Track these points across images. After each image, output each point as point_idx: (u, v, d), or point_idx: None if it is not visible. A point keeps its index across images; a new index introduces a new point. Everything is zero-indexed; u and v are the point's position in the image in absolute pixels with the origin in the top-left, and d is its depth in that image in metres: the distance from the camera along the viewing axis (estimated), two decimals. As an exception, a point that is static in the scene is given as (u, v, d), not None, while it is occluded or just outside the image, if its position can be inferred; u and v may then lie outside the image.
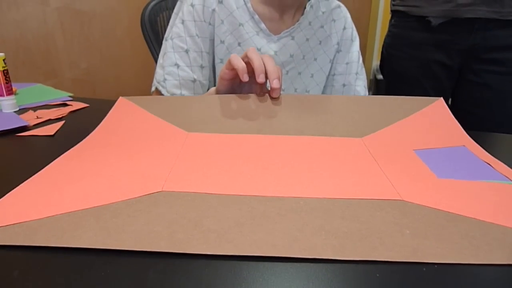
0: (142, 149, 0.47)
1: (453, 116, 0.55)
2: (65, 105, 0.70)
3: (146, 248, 0.28)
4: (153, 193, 0.36)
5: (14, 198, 0.35)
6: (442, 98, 0.58)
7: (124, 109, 0.56)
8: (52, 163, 0.42)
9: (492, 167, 0.44)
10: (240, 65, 0.53)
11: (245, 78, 0.53)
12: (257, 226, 0.31)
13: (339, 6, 0.81)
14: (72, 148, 0.47)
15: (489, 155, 0.47)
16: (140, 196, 0.36)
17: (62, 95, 0.76)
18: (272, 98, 0.56)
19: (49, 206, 0.34)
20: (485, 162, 0.45)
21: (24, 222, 0.31)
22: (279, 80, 0.53)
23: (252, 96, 0.57)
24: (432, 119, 0.54)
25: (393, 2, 1.01)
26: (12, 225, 0.31)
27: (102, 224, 0.31)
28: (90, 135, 0.51)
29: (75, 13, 1.59)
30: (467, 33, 0.88)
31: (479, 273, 0.27)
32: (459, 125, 0.53)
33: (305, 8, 0.77)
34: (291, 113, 0.55)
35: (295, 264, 0.27)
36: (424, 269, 0.27)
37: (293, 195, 0.37)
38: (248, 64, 0.54)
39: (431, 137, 0.51)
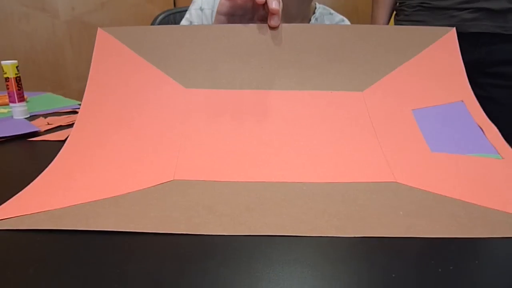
0: (144, 121, 0.47)
1: (460, 56, 0.53)
2: (75, 112, 0.71)
3: (167, 230, 0.31)
4: (165, 182, 0.39)
5: (34, 190, 0.37)
6: (454, 29, 0.55)
7: (109, 52, 0.52)
8: (61, 150, 0.44)
9: (483, 132, 0.47)
10: None
11: None
12: (266, 211, 0.34)
13: (343, 20, 0.83)
14: (75, 126, 0.46)
15: (484, 114, 0.49)
16: (154, 186, 0.38)
17: (72, 103, 0.78)
18: (271, 28, 0.52)
19: (70, 197, 0.36)
20: (479, 125, 0.48)
21: (48, 210, 0.33)
22: (278, 2, 0.50)
23: (248, 28, 0.52)
24: (437, 62, 0.52)
25: (397, 18, 1.03)
26: (37, 213, 0.33)
27: (123, 211, 0.34)
28: (84, 100, 0.49)
29: (83, 25, 1.63)
30: (472, 47, 0.90)
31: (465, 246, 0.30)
32: (463, 68, 0.52)
33: (310, 21, 0.78)
34: (292, 53, 0.52)
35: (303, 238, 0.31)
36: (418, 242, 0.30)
37: (296, 180, 0.40)
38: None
39: (432, 88, 0.51)
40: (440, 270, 0.26)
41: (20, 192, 0.36)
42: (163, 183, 0.39)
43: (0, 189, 0.39)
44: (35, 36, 1.57)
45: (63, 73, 1.64)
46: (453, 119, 0.48)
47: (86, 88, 0.50)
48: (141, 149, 0.43)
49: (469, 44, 0.89)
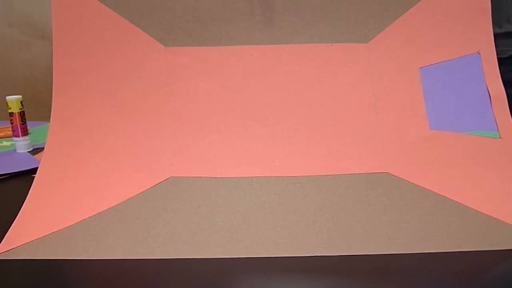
0: (127, 94, 0.43)
1: None
2: (77, 144, 0.72)
3: (173, 255, 0.34)
4: (163, 181, 0.40)
5: (34, 208, 0.38)
6: None
7: (70, 4, 0.44)
8: (47, 143, 0.42)
9: (491, 102, 0.44)
10: None
11: None
12: (262, 221, 0.37)
13: None
14: (54, 103, 0.43)
15: (497, 71, 0.45)
16: (152, 187, 0.39)
17: (74, 134, 0.78)
18: None
19: (73, 211, 0.37)
20: (488, 89, 0.44)
21: (58, 231, 0.35)
22: None
23: None
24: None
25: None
26: (48, 235, 0.35)
27: (128, 227, 0.36)
28: (55, 69, 0.43)
29: (83, 52, 1.65)
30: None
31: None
32: (489, 5, 0.45)
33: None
34: None
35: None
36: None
37: (290, 173, 0.40)
38: None
39: (449, 34, 0.44)
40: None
41: (20, 213, 0.37)
42: (160, 182, 0.39)
43: (5, 229, 0.39)
44: (34, 63, 1.59)
45: (62, 99, 1.65)
46: (464, 79, 0.45)
47: (54, 52, 0.43)
48: (131, 135, 0.42)
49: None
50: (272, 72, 0.44)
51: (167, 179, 0.40)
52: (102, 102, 0.43)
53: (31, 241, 0.34)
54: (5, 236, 0.35)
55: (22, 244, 0.34)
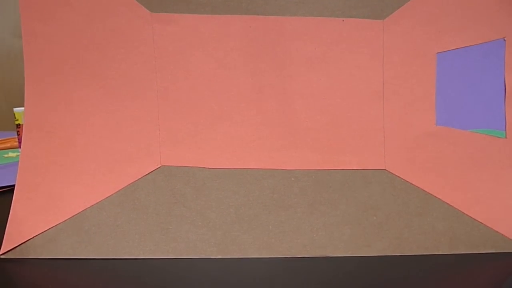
0: (108, 67, 0.38)
1: None
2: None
3: (171, 255, 0.35)
4: (153, 170, 0.39)
5: (27, 199, 0.37)
6: None
7: None
8: (25, 128, 0.39)
9: (505, 95, 0.40)
10: None
11: None
12: (254, 218, 0.37)
13: None
14: (26, 73, 0.40)
15: None
16: (143, 176, 0.38)
17: (79, 146, 0.79)
18: None
19: (67, 203, 0.37)
20: (505, 83, 0.40)
21: (56, 225, 0.36)
22: None
23: None
24: None
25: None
26: (47, 230, 0.35)
27: (124, 222, 0.36)
28: (25, 36, 0.40)
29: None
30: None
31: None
32: None
33: None
34: None
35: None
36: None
37: (285, 166, 0.39)
38: None
39: (476, 14, 0.40)
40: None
41: (13, 204, 0.36)
42: (151, 172, 0.38)
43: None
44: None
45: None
46: (483, 69, 0.41)
47: (21, 15, 0.38)
48: (116, 115, 0.39)
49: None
50: (273, 49, 0.39)
51: (158, 168, 0.38)
52: (81, 76, 0.38)
53: (33, 237, 0.35)
54: (6, 233, 0.36)
55: (25, 242, 0.35)
